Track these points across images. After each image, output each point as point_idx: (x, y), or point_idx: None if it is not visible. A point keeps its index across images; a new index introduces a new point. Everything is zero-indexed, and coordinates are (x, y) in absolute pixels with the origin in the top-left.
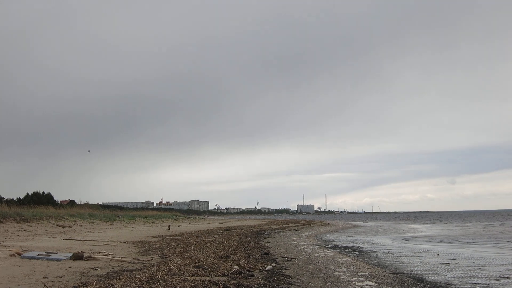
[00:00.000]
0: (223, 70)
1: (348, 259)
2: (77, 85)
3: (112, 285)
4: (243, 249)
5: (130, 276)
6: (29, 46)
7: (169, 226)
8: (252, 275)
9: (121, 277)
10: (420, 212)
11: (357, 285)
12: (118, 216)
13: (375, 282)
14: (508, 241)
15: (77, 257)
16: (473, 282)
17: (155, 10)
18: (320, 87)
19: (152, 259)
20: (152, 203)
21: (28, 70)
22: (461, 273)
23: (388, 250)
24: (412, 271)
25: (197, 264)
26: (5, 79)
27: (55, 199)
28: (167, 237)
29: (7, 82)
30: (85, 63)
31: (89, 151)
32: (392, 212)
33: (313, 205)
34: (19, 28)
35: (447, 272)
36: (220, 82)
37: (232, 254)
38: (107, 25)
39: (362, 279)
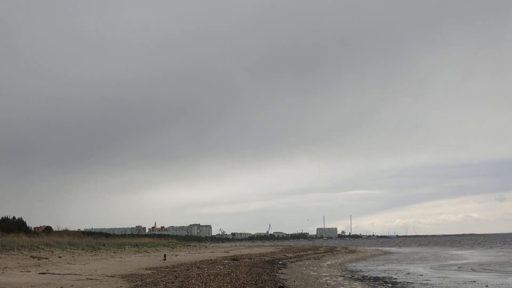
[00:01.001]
0: (227, 71)
1: None
2: (51, 87)
3: None
4: (253, 282)
5: None
6: None
7: (165, 255)
8: None
9: None
10: (463, 235)
11: None
12: (104, 245)
13: None
14: None
15: None
16: None
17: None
18: (342, 90)
19: None
20: (144, 228)
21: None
22: None
23: (427, 281)
24: None
25: None
26: None
27: (27, 225)
28: (162, 269)
29: None
30: (60, 60)
31: None
32: (430, 235)
33: (335, 229)
34: None
35: None
36: (224, 84)
37: None
38: (85, 15)
39: None
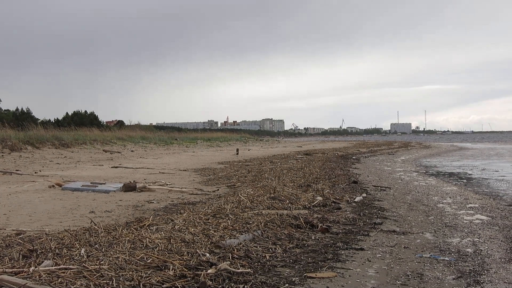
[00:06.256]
0: None
1: (454, 188)
2: None
3: (172, 220)
4: (326, 176)
5: (193, 209)
6: None
7: (237, 150)
8: (339, 208)
9: (182, 211)
10: None
11: (465, 219)
12: (176, 139)
13: (487, 216)
14: None
15: (129, 188)
16: None
17: None
18: None
19: (218, 189)
20: (216, 123)
21: None
22: None
23: (502, 177)
24: None
25: (272, 195)
26: None
27: (100, 119)
28: (235, 163)
29: None
30: None
31: None
32: (506, 131)
33: (410, 124)
34: None
35: None
36: None
37: (313, 183)
38: None
39: (472, 212)
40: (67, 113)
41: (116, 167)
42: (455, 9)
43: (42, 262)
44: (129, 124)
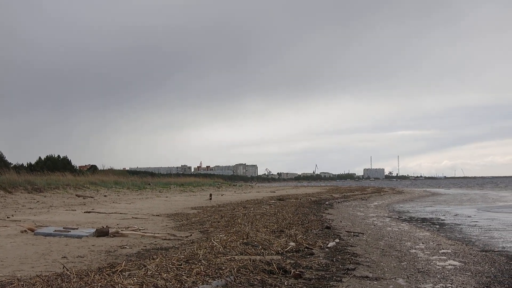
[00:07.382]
0: (260, 5)
1: (427, 233)
2: (89, 34)
3: (145, 265)
4: (300, 222)
5: (166, 255)
6: None
7: (211, 195)
8: (312, 253)
9: (155, 256)
10: None
11: (438, 265)
12: (149, 184)
13: (460, 261)
14: None
15: (102, 233)
16: None
17: None
18: (379, 21)
19: (191, 235)
20: (190, 168)
21: (31, 19)
22: None
23: (475, 223)
24: (504, 248)
25: (245, 241)
26: (4, 28)
27: (73, 164)
28: (208, 209)
29: (6, 32)
30: (99, 10)
31: None
32: (479, 177)
33: (383, 169)
34: None
35: None
36: (258, 19)
37: (287, 228)
38: None
39: (444, 257)
40: (40, 157)
41: (89, 212)
42: (428, 54)
43: None
44: (102, 168)
